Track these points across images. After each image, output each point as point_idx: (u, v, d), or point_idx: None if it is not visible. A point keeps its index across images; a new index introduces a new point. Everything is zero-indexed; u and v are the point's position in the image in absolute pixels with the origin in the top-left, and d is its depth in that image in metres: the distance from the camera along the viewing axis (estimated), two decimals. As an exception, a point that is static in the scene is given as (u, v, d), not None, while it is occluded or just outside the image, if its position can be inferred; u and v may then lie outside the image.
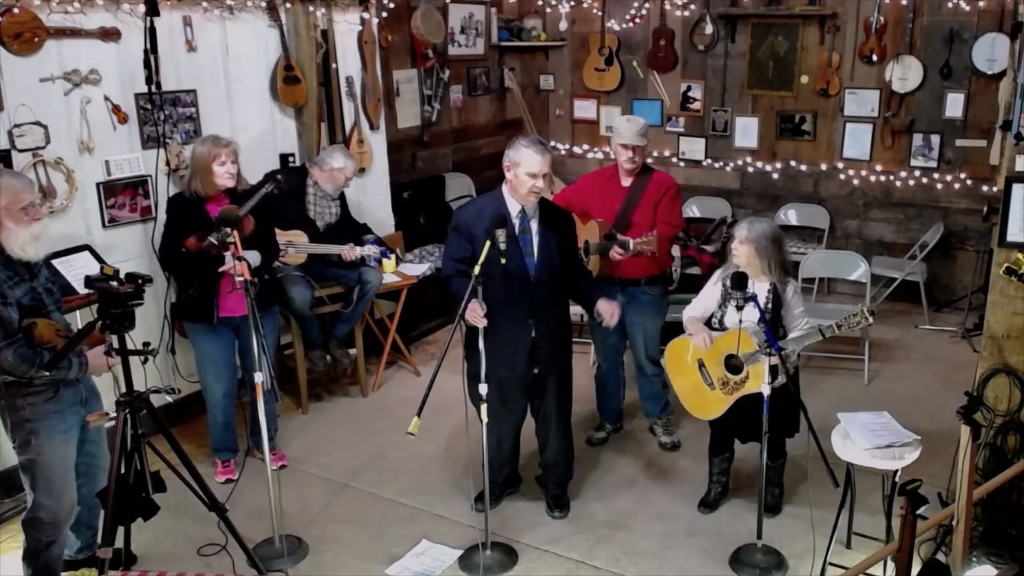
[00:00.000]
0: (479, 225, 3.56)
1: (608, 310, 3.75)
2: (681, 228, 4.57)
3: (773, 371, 3.36)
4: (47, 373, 2.94)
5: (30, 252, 2.96)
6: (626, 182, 4.34)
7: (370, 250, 4.86)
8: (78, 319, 3.80)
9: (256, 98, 5.05)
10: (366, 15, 5.51)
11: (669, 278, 4.49)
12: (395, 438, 4.54)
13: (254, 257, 3.96)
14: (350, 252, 4.77)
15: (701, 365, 3.75)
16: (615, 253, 4.11)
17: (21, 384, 2.98)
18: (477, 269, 3.27)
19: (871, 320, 3.42)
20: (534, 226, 3.63)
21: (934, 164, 6.47)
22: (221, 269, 3.87)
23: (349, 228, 5.04)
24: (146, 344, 3.08)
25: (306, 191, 4.88)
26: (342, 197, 5.15)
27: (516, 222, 3.60)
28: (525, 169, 3.48)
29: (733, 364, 3.64)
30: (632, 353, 4.55)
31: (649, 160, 7.34)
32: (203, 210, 3.96)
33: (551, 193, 6.53)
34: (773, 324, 3.61)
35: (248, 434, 4.34)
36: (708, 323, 3.78)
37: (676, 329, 4.03)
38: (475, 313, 3.35)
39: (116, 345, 2.98)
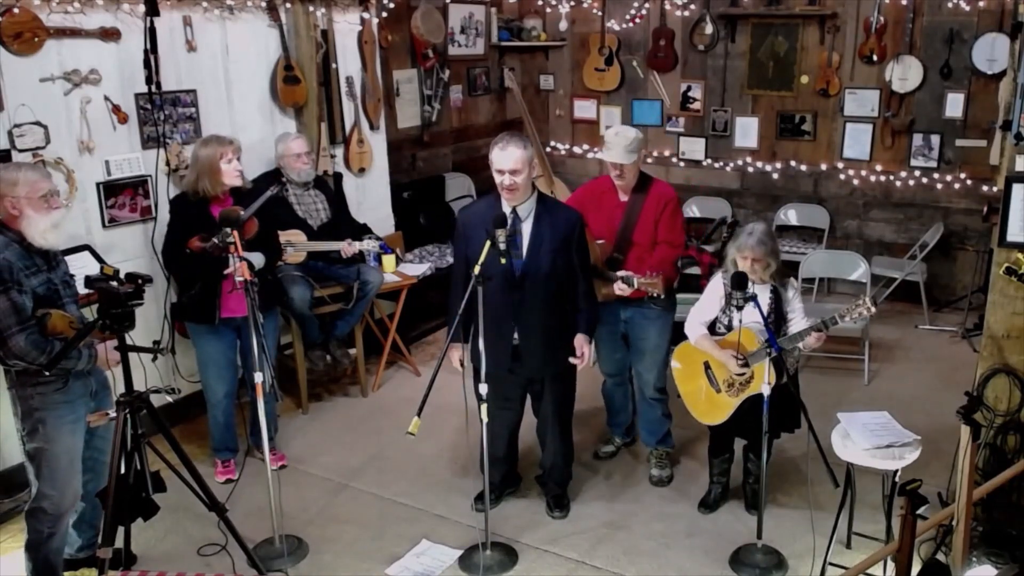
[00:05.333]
0: (473, 226, 3.59)
1: (580, 349, 3.64)
2: (683, 247, 4.23)
3: (776, 369, 3.36)
4: (47, 373, 2.96)
5: (51, 240, 3.06)
6: (624, 197, 4.02)
7: (369, 244, 4.85)
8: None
9: (256, 98, 5.05)
10: (366, 15, 5.51)
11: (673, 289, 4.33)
12: (395, 438, 4.55)
13: (258, 259, 3.96)
14: (349, 248, 4.77)
15: (707, 367, 3.75)
16: (618, 288, 3.83)
17: (32, 373, 3.02)
18: (477, 269, 3.27)
19: (873, 310, 3.36)
20: (526, 228, 3.58)
21: (934, 164, 6.47)
22: (227, 271, 3.86)
23: (348, 227, 5.03)
24: (156, 343, 3.11)
25: (286, 191, 4.84)
26: (338, 195, 5.14)
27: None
28: (494, 166, 3.50)
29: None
30: (634, 373, 4.28)
31: (649, 160, 7.38)
32: (206, 211, 3.96)
33: (552, 192, 6.54)
34: (778, 324, 3.62)
35: (248, 434, 4.34)
36: (712, 328, 3.76)
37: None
38: (450, 360, 3.60)
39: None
